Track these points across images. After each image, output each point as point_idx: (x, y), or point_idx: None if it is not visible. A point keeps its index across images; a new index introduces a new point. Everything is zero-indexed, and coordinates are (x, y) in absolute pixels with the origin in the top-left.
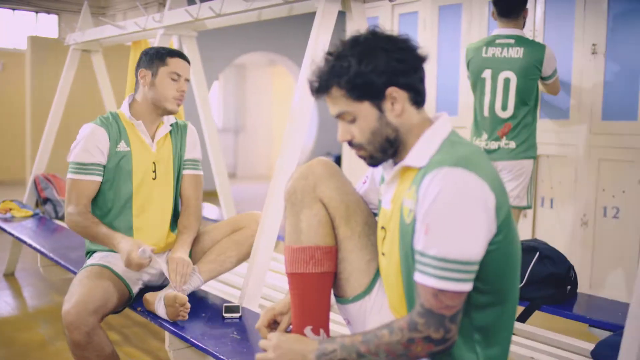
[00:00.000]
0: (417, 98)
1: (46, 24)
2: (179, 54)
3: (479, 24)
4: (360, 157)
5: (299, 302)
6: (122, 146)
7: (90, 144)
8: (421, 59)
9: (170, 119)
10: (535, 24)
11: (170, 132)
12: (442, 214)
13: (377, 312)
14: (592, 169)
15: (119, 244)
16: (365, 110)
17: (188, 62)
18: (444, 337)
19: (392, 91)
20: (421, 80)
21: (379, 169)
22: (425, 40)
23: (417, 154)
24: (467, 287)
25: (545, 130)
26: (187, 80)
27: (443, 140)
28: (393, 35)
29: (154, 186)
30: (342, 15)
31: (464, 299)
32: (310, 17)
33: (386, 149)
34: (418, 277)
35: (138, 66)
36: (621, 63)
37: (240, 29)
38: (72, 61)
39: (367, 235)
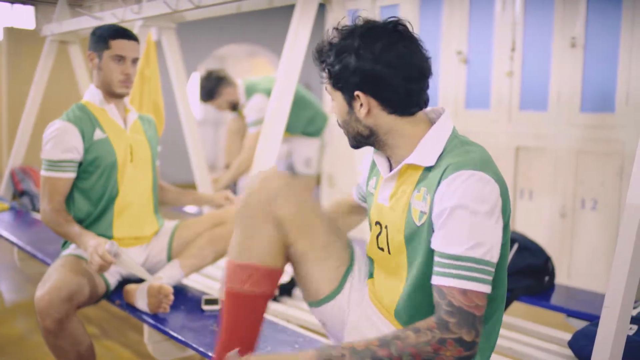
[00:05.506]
0: (389, 108)
1: (22, 15)
2: (122, 34)
3: (460, 17)
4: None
5: (231, 320)
6: (98, 134)
7: (61, 140)
8: (409, 80)
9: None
10: (514, 17)
11: (140, 119)
12: (464, 217)
13: (356, 304)
14: (571, 161)
15: (88, 242)
16: (338, 99)
17: (135, 39)
18: (474, 341)
19: (359, 94)
20: (399, 96)
21: (368, 165)
22: None
23: (423, 153)
24: (489, 288)
25: (525, 122)
26: (135, 60)
27: (448, 139)
28: (394, 46)
29: (132, 169)
30: (322, 8)
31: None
32: (292, 9)
33: (360, 141)
34: (440, 280)
35: (88, 48)
36: (599, 56)
37: (220, 20)
38: (48, 53)
39: (333, 242)
